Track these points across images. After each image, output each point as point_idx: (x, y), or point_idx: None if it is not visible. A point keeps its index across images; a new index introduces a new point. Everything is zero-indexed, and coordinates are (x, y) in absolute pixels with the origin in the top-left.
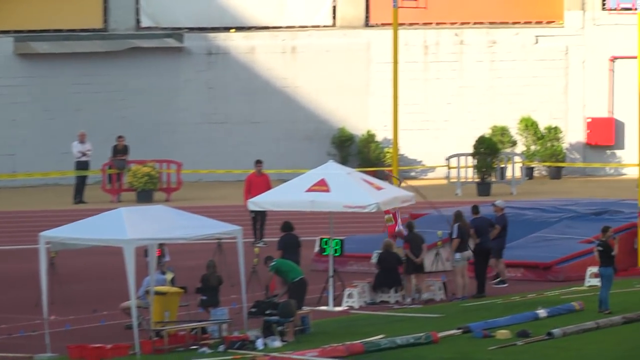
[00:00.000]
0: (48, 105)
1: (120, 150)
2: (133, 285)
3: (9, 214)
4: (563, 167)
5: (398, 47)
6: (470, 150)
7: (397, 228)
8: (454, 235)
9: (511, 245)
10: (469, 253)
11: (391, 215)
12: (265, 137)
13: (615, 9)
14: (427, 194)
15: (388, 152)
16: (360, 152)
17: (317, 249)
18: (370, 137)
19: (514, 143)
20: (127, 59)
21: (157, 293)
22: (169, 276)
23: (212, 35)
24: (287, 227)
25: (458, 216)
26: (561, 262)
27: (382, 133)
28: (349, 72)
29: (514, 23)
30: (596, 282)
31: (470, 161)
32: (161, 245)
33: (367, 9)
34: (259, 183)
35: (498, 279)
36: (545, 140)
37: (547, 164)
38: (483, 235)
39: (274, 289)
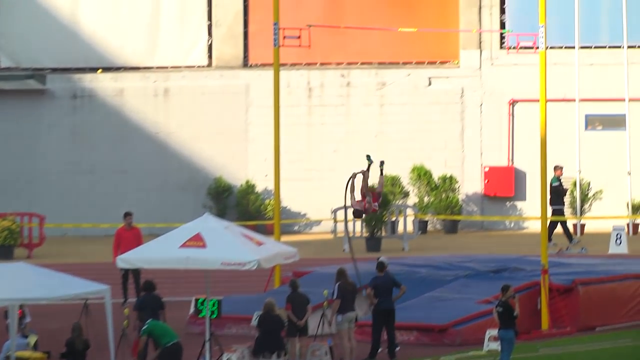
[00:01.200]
0: None
1: None
2: None
3: None
4: (459, 220)
5: (279, 89)
6: None
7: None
8: (334, 296)
9: (403, 306)
10: (352, 314)
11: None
12: (135, 187)
13: (514, 48)
14: (310, 250)
15: (269, 204)
16: (239, 204)
17: (192, 310)
18: (249, 188)
19: (405, 194)
20: None
21: (18, 359)
22: (31, 340)
23: (77, 76)
24: (147, 286)
25: (340, 274)
26: (458, 324)
27: (263, 183)
28: (226, 117)
29: (405, 63)
30: (496, 346)
31: None
32: (22, 306)
33: (245, 48)
34: (128, 238)
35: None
36: (440, 191)
37: (442, 216)
38: (384, 295)
39: (136, 352)
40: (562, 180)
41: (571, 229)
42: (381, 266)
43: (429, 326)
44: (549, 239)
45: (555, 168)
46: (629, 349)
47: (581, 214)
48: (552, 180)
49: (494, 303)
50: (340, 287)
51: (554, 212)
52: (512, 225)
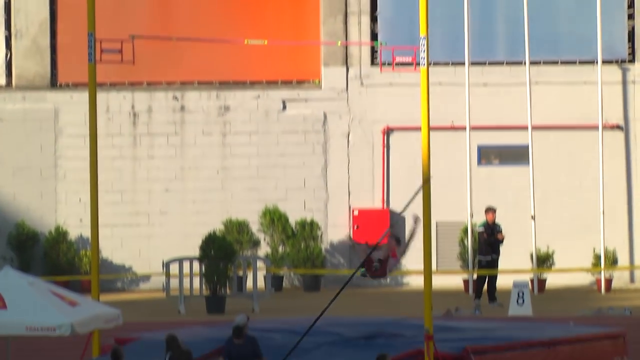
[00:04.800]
0: None
1: None
2: None
3: None
4: (322, 275)
5: (96, 115)
6: (197, 253)
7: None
8: None
9: None
10: None
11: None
12: None
13: (389, 65)
14: (137, 312)
15: (85, 256)
16: (47, 255)
17: None
18: (60, 236)
19: (255, 243)
20: None
21: None
22: None
23: None
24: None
25: (170, 342)
26: None
27: (77, 230)
28: (30, 148)
29: (254, 83)
30: None
31: (197, 268)
32: None
33: (53, 64)
34: None
35: None
36: (298, 240)
37: (301, 270)
38: None
39: None
40: (495, 225)
41: (463, 287)
42: (238, 332)
43: None
44: (492, 299)
45: (486, 210)
46: None
47: (474, 268)
48: (478, 224)
49: None
50: (172, 359)
51: (480, 265)
52: (389, 281)
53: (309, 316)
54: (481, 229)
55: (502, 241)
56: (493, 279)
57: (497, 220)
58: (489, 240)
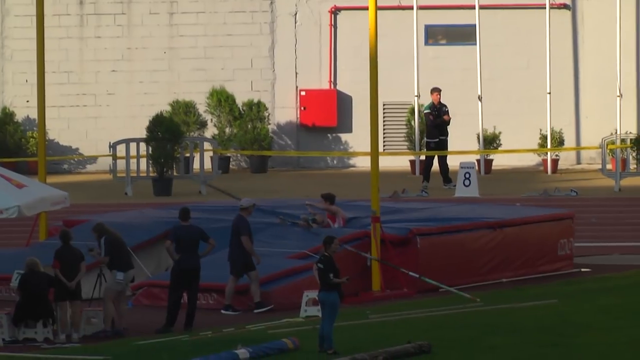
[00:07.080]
0: None
1: None
2: None
3: None
4: (269, 156)
5: None
6: (144, 134)
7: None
8: (103, 253)
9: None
10: (132, 273)
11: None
12: None
13: None
14: (85, 194)
15: (32, 137)
16: None
17: None
18: (7, 117)
19: (202, 124)
20: None
21: None
22: None
23: None
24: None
25: (100, 230)
26: (267, 284)
27: (24, 111)
28: None
29: None
30: (316, 311)
31: (144, 149)
32: None
33: None
34: None
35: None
36: (245, 121)
37: (248, 152)
38: (187, 250)
39: None
40: (441, 105)
41: (410, 168)
42: (185, 214)
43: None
44: (447, 180)
45: (432, 91)
46: (479, 314)
47: (421, 148)
48: (424, 106)
49: (314, 258)
50: (109, 241)
51: (428, 147)
52: (336, 162)
53: (256, 198)
54: (427, 111)
55: (448, 122)
56: (444, 160)
57: (444, 101)
58: (435, 122)
